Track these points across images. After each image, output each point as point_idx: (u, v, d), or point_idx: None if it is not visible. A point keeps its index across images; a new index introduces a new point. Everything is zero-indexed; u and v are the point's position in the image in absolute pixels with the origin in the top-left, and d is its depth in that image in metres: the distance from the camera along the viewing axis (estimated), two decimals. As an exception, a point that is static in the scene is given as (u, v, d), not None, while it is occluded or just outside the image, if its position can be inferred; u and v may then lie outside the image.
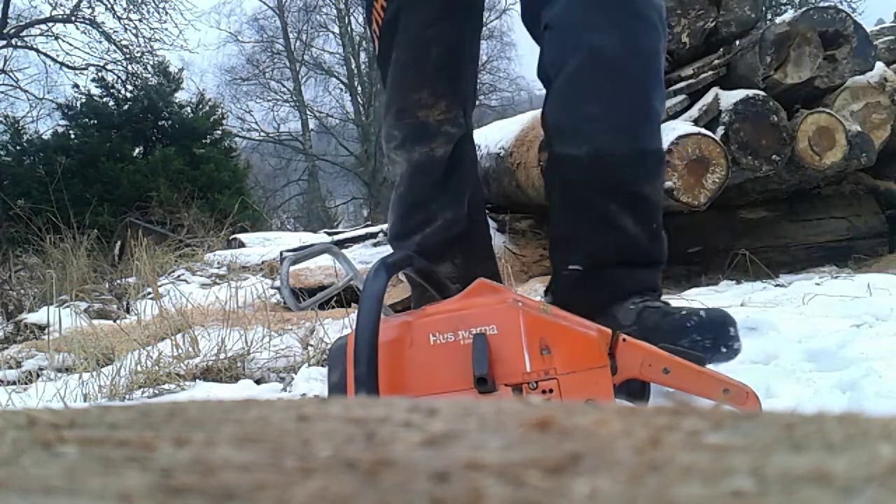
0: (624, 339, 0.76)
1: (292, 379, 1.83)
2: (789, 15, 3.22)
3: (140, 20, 13.56)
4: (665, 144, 2.87)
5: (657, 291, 1.12)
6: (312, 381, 1.74)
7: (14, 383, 2.06)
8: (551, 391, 0.70)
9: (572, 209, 1.06)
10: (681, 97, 3.19)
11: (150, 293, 3.09)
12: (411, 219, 1.28)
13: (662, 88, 1.10)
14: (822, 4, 3.26)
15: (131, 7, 13.46)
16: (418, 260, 0.85)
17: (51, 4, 13.10)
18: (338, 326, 2.30)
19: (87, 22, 13.52)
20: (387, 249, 2.34)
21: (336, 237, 3.76)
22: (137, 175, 10.54)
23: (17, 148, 11.45)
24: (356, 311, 0.71)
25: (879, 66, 3.34)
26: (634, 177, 1.01)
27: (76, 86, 12.91)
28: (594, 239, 1.01)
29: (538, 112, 2.07)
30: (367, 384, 0.67)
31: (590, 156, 1.00)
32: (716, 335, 1.02)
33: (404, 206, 1.30)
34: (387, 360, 0.69)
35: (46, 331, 2.69)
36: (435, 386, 0.71)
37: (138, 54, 13.66)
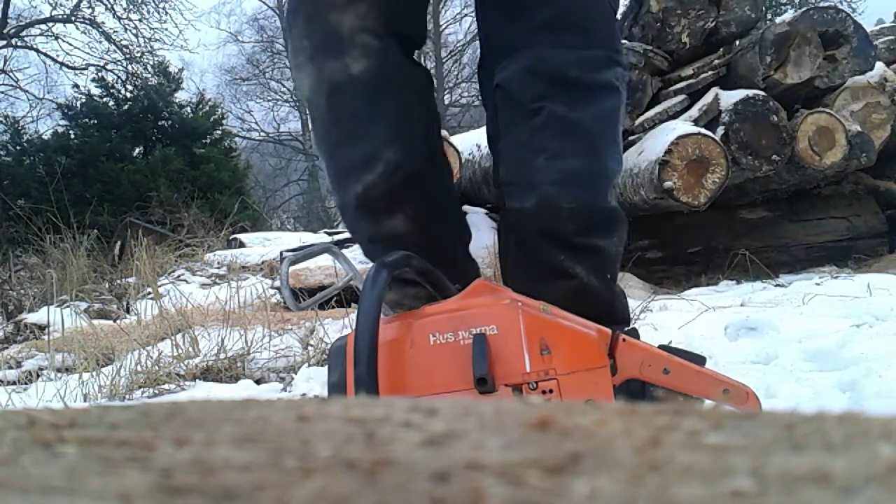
0: (624, 340, 0.76)
1: (292, 379, 1.83)
2: (789, 15, 3.22)
3: (140, 20, 13.57)
4: (665, 144, 2.87)
5: None
6: (312, 381, 1.74)
7: (14, 383, 2.06)
8: (551, 391, 0.70)
9: (525, 260, 1.03)
10: (681, 97, 3.19)
11: (150, 293, 3.09)
12: (344, 159, 1.02)
13: (619, 149, 1.06)
14: (822, 4, 3.26)
15: (131, 7, 13.46)
16: (418, 260, 0.84)
17: (51, 4, 13.11)
18: (338, 326, 2.30)
19: (87, 22, 13.53)
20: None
21: (336, 237, 3.76)
22: (137, 175, 10.54)
23: (17, 148, 11.46)
24: (356, 312, 0.71)
25: (879, 66, 3.34)
26: (585, 228, 0.98)
27: (76, 86, 12.91)
28: (547, 288, 0.95)
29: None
30: (366, 384, 0.66)
31: (536, 206, 0.97)
32: None
33: (328, 143, 1.04)
34: (387, 360, 0.69)
35: (46, 331, 2.69)
36: (435, 386, 0.71)
37: (138, 54, 13.67)
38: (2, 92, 13.60)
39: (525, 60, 1.04)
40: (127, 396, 1.77)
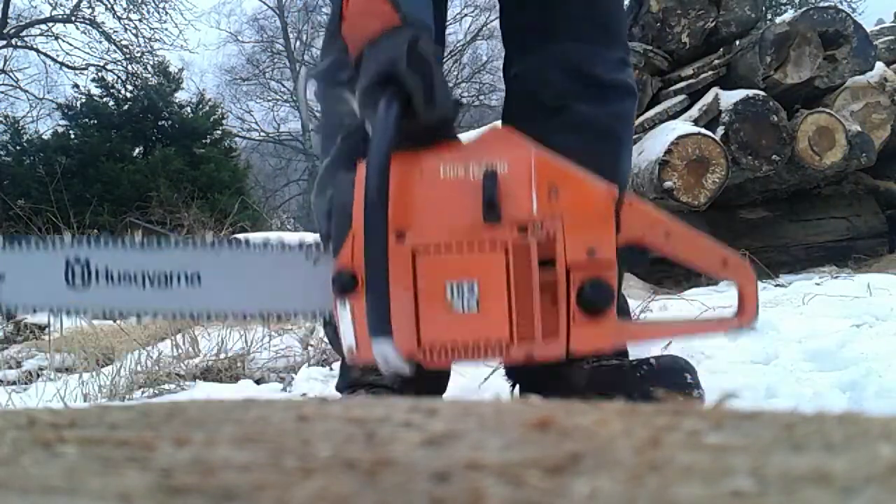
0: (630, 203, 0.77)
1: (292, 379, 1.83)
2: (789, 15, 3.22)
3: (140, 20, 13.57)
4: (665, 144, 2.87)
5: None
6: (312, 381, 1.74)
7: (14, 383, 2.06)
8: (556, 233, 0.72)
9: None
10: (681, 97, 3.19)
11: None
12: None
13: (631, 150, 1.05)
14: (822, 4, 3.26)
15: (131, 7, 13.47)
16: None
17: (51, 4, 13.11)
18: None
19: (87, 22, 13.53)
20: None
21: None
22: (137, 175, 10.55)
23: (17, 148, 11.46)
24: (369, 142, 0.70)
25: (879, 66, 3.34)
26: None
27: (76, 86, 12.92)
28: None
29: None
30: (377, 209, 0.67)
31: None
32: (669, 383, 0.99)
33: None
34: (394, 188, 0.70)
35: (46, 331, 2.69)
36: (441, 218, 0.72)
37: (138, 54, 13.67)
38: (2, 92, 13.60)
39: (549, 54, 1.03)
40: (127, 396, 1.77)
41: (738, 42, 3.28)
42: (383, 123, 0.70)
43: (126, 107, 12.15)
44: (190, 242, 0.84)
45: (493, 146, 0.77)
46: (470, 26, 18.83)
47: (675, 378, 1.00)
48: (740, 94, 3.04)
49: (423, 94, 0.73)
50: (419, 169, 0.75)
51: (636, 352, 1.12)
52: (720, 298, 2.58)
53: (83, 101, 12.20)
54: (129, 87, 12.80)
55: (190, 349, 2.10)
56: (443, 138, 0.79)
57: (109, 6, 13.25)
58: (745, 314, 0.79)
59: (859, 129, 3.20)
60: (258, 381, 1.90)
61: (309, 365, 1.92)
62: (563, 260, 0.73)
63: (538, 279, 0.72)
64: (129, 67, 13.54)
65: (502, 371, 1.38)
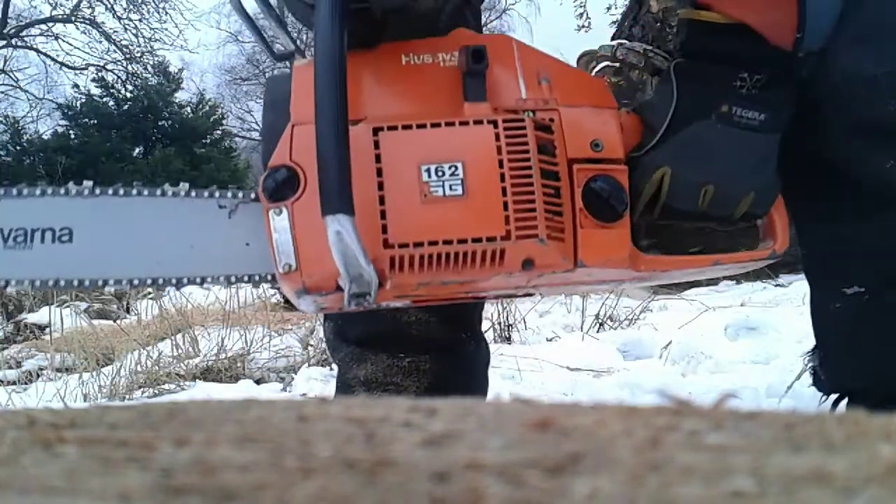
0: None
1: (292, 379, 1.83)
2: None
3: (140, 20, 13.55)
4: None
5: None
6: (312, 381, 1.74)
7: (14, 383, 2.06)
8: (552, 121, 0.61)
9: None
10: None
11: (150, 293, 3.09)
12: None
13: None
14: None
15: (131, 7, 13.45)
16: None
17: (51, 4, 13.10)
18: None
19: (87, 22, 13.52)
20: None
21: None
22: (137, 175, 10.54)
23: (17, 148, 11.46)
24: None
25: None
26: None
27: (76, 86, 12.92)
28: None
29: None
30: (331, 71, 0.52)
31: None
32: None
33: None
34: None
35: (46, 331, 2.69)
36: (409, 103, 0.61)
37: (138, 54, 13.66)
38: (2, 92, 13.59)
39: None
40: (127, 396, 1.77)
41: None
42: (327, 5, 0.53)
43: (126, 107, 12.15)
44: (61, 191, 0.65)
45: (466, 37, 0.64)
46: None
47: None
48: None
49: None
50: (374, 59, 0.62)
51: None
52: (720, 298, 2.58)
53: (83, 101, 12.20)
54: (129, 87, 12.80)
55: (190, 349, 2.10)
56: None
57: (109, 6, 13.24)
58: (779, 241, 0.72)
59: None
60: (258, 381, 1.91)
61: (309, 365, 1.92)
62: (563, 152, 0.61)
63: (538, 164, 0.58)
64: (129, 67, 13.54)
65: (502, 371, 1.35)
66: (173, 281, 0.67)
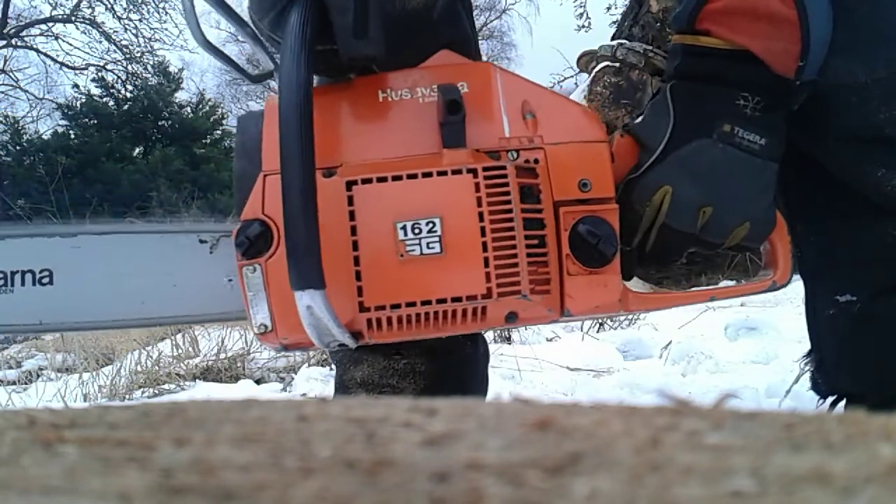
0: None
1: (292, 379, 1.83)
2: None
3: (140, 20, 13.54)
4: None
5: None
6: (312, 381, 1.74)
7: (14, 383, 2.06)
8: (536, 162, 0.58)
9: None
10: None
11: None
12: None
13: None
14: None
15: (131, 7, 13.44)
16: None
17: (51, 4, 13.09)
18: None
19: (87, 22, 13.51)
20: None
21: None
22: (137, 175, 10.55)
23: (17, 148, 11.46)
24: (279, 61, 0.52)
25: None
26: None
27: (76, 86, 12.92)
28: None
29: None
30: (297, 124, 0.50)
31: None
32: None
33: None
34: (316, 124, 0.52)
35: (46, 331, 2.69)
36: (384, 147, 0.58)
37: (138, 54, 13.65)
38: (2, 92, 13.58)
39: None
40: (127, 396, 1.77)
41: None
42: (295, 33, 0.52)
43: (126, 107, 12.16)
44: (40, 229, 0.64)
45: (446, 69, 0.61)
46: (470, 26, 18.79)
47: None
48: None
49: (351, 16, 0.55)
50: (350, 94, 0.59)
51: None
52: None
53: (83, 101, 12.21)
54: (129, 87, 12.81)
55: (190, 349, 2.10)
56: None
57: (109, 6, 13.24)
58: (780, 272, 0.70)
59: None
60: (258, 381, 1.91)
61: (309, 365, 1.92)
62: (549, 195, 0.58)
63: (520, 214, 0.55)
64: (129, 67, 13.53)
65: (502, 371, 1.35)
66: (158, 322, 0.66)
